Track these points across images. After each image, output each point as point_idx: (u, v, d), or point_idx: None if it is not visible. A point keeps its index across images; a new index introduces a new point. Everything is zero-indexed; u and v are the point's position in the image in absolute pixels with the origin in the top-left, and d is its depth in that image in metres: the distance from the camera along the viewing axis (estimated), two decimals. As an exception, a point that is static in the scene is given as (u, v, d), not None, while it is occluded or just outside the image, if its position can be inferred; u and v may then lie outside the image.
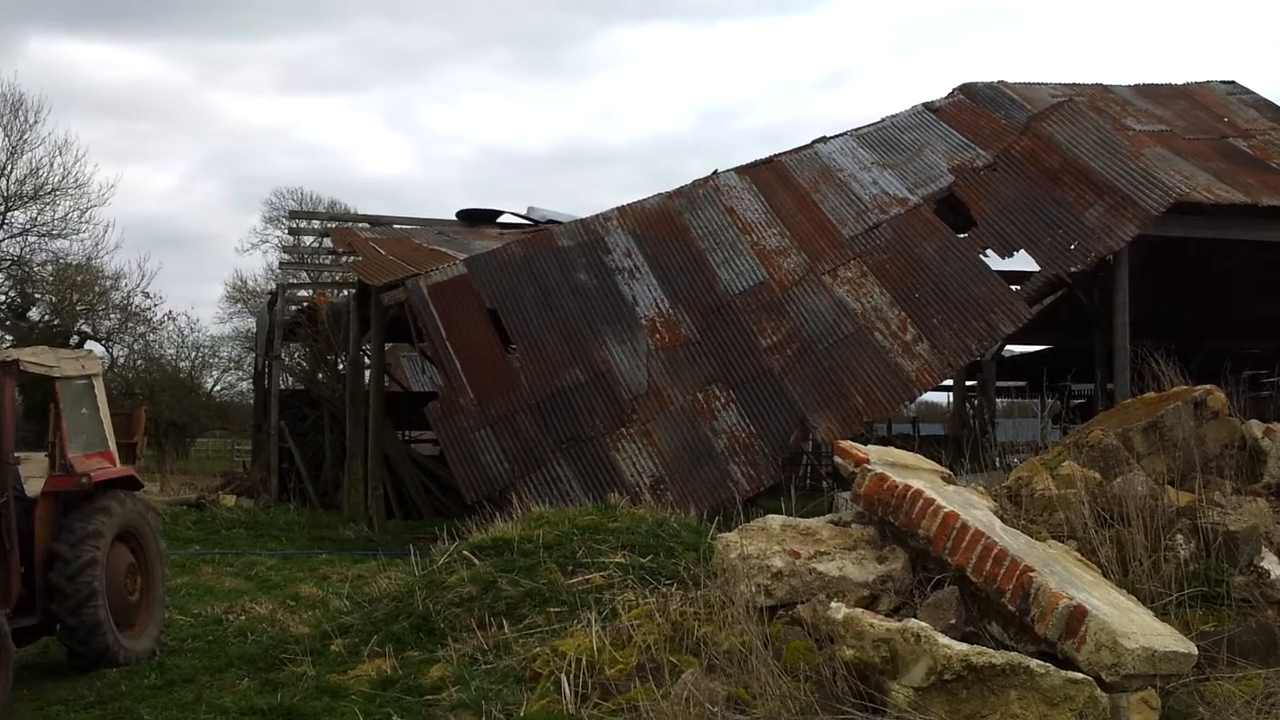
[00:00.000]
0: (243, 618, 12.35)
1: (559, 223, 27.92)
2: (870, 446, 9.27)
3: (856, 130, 26.85)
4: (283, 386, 36.80)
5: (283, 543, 22.15)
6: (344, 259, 32.62)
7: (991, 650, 6.98)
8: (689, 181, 25.93)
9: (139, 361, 53.84)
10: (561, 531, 11.24)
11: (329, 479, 32.48)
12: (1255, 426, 9.67)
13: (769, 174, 26.04)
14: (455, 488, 29.34)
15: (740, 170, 26.18)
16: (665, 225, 25.02)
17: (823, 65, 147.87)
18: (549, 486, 21.19)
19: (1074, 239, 22.94)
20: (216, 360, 60.74)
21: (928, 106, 27.10)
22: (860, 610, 7.43)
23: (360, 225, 32.21)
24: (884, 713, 6.87)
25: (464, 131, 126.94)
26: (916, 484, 8.17)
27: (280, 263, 43.88)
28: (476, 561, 10.70)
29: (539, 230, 27.31)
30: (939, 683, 6.81)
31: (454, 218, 30.40)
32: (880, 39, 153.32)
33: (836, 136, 26.72)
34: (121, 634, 11.50)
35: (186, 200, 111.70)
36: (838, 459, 8.95)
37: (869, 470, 8.41)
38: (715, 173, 26.12)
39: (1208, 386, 9.72)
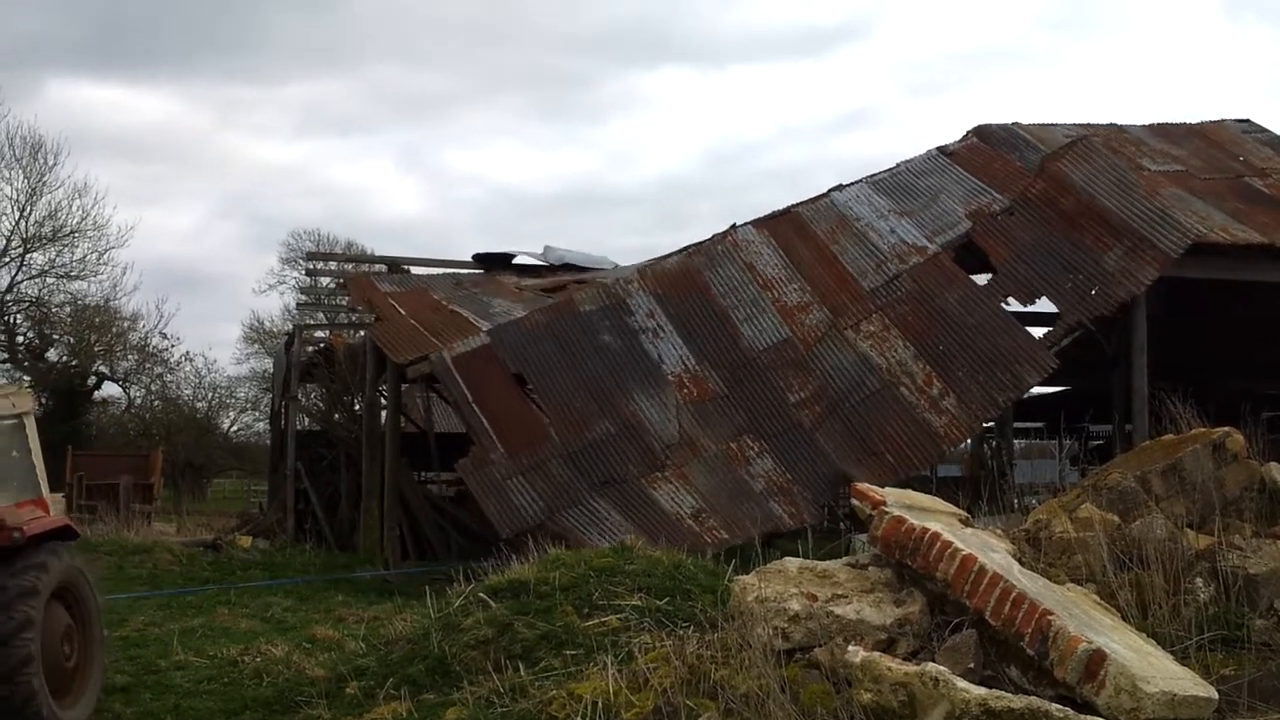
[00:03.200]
0: (258, 659, 12.33)
1: (574, 265, 28.02)
2: (887, 489, 9.25)
3: (872, 177, 26.80)
4: (299, 427, 36.86)
5: (299, 583, 22.14)
6: (360, 314, 32.77)
7: (1010, 695, 6.93)
8: (705, 236, 26.01)
9: (156, 402, 54.11)
10: (578, 574, 11.21)
11: (345, 520, 32.48)
12: (1275, 469, 9.63)
13: (786, 226, 26.00)
14: (471, 529, 29.39)
15: (757, 224, 26.14)
16: (686, 284, 25.03)
17: (836, 107, 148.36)
18: (589, 519, 21.17)
19: (1094, 284, 22.85)
20: (233, 401, 61.02)
21: (942, 151, 27.04)
22: (878, 654, 7.40)
23: (377, 268, 32.33)
24: (902, 758, 6.83)
25: (478, 173, 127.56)
26: (934, 527, 8.15)
27: (297, 304, 44.14)
28: (492, 604, 10.68)
29: (560, 290, 27.34)
30: (958, 727, 6.77)
31: (470, 259, 30.53)
32: (894, 80, 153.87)
33: (852, 184, 26.67)
34: (57, 703, 10.51)
35: (204, 242, 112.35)
36: (855, 501, 8.94)
37: (886, 513, 8.39)
38: (733, 227, 26.12)
39: (1226, 429, 9.69)
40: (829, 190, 26.84)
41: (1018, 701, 6.80)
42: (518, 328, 24.54)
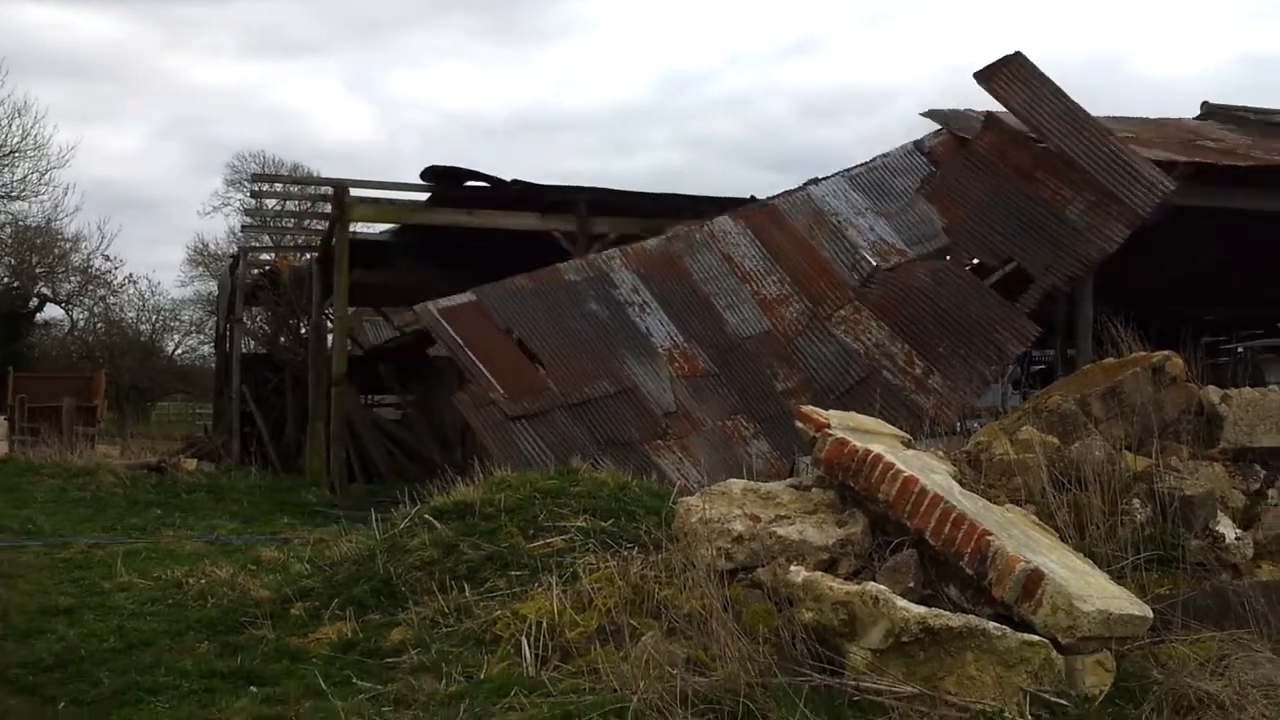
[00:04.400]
0: (203, 581, 12.29)
1: (524, 182, 27.75)
2: (831, 411, 9.31)
3: (848, 171, 26.38)
4: (244, 350, 36.65)
5: (244, 506, 22.09)
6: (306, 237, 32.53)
7: (949, 613, 7.04)
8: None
9: (99, 325, 53.64)
10: (523, 495, 11.23)
11: (291, 443, 32.44)
12: (1213, 392, 9.75)
13: (763, 219, 25.74)
14: (418, 452, 29.41)
15: (735, 215, 25.98)
16: (668, 266, 24.81)
17: (786, 34, 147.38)
18: None
19: (1062, 243, 22.63)
20: (178, 324, 60.55)
21: (918, 147, 26.67)
22: (819, 574, 7.48)
23: (323, 191, 32.01)
24: (842, 675, 6.93)
25: (426, 97, 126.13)
26: (876, 448, 8.22)
27: (242, 226, 43.69)
28: (438, 525, 10.69)
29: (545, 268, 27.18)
30: (896, 645, 6.87)
31: (419, 179, 30.19)
32: (846, 7, 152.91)
33: (828, 178, 26.38)
34: None
35: (147, 164, 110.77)
36: (799, 424, 8.99)
37: (829, 435, 8.46)
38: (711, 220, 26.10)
39: (1166, 353, 9.80)
40: (805, 184, 26.69)
41: (956, 620, 6.90)
42: (503, 288, 24.39)
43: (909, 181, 25.31)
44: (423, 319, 24.13)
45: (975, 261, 23.74)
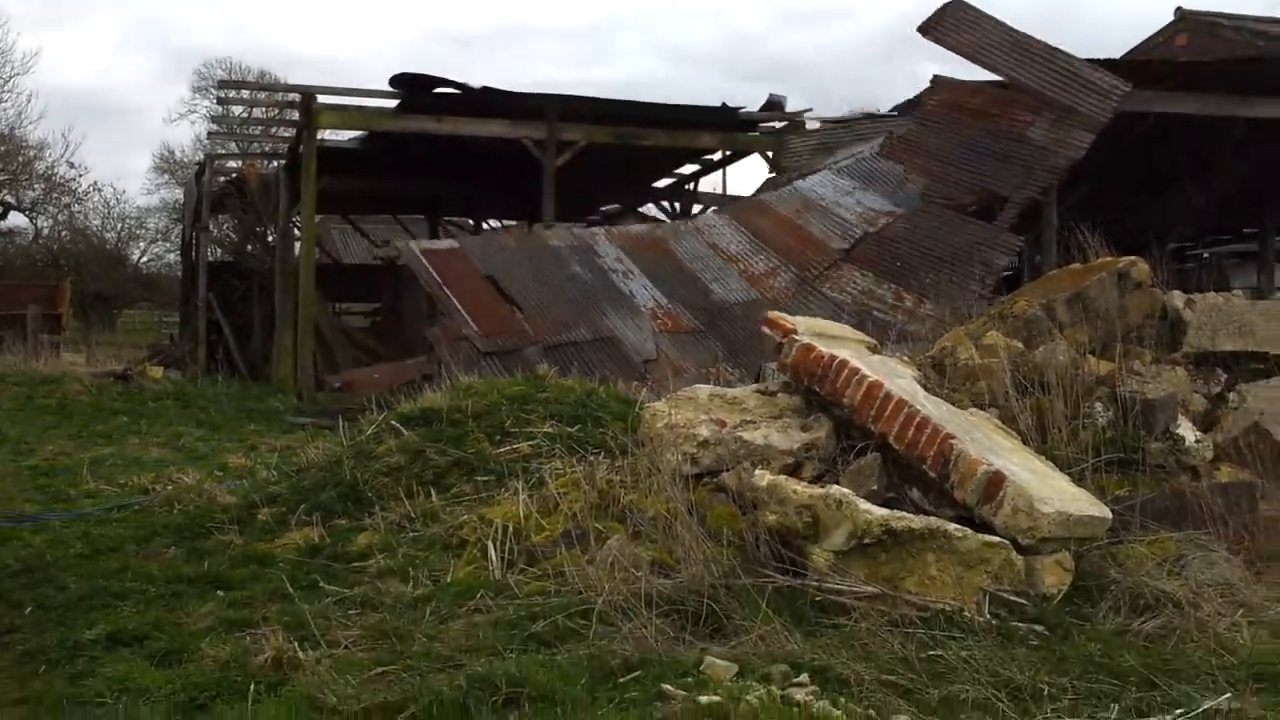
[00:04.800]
0: (169, 488, 12.28)
1: (493, 89, 27.46)
2: (798, 318, 9.32)
3: (834, 163, 26.57)
4: (211, 258, 36.39)
5: (211, 414, 22.02)
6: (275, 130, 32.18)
7: (911, 515, 7.10)
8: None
9: (64, 233, 53.09)
10: (490, 402, 11.22)
11: (258, 351, 32.33)
12: (1177, 297, 9.81)
13: (749, 211, 25.79)
14: (386, 359, 29.35)
15: (719, 211, 26.17)
16: (653, 247, 24.78)
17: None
18: None
19: (1031, 162, 22.92)
20: (143, 232, 59.89)
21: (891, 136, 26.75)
22: (784, 477, 7.53)
23: (291, 97, 31.62)
24: (805, 576, 6.99)
25: (399, 2, 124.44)
26: (842, 354, 8.24)
27: (208, 133, 43.14)
28: (405, 431, 10.68)
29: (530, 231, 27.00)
30: (859, 547, 6.94)
31: (389, 86, 29.82)
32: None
33: (814, 174, 26.52)
34: None
35: (112, 71, 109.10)
36: (766, 329, 9.00)
37: (796, 340, 8.47)
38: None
39: (1132, 258, 9.84)
40: (791, 180, 26.82)
41: (918, 522, 6.97)
42: (486, 240, 24.56)
43: (898, 168, 25.40)
44: (404, 256, 24.17)
45: (951, 203, 23.91)
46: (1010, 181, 22.87)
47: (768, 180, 29.29)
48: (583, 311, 22.63)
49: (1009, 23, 23.98)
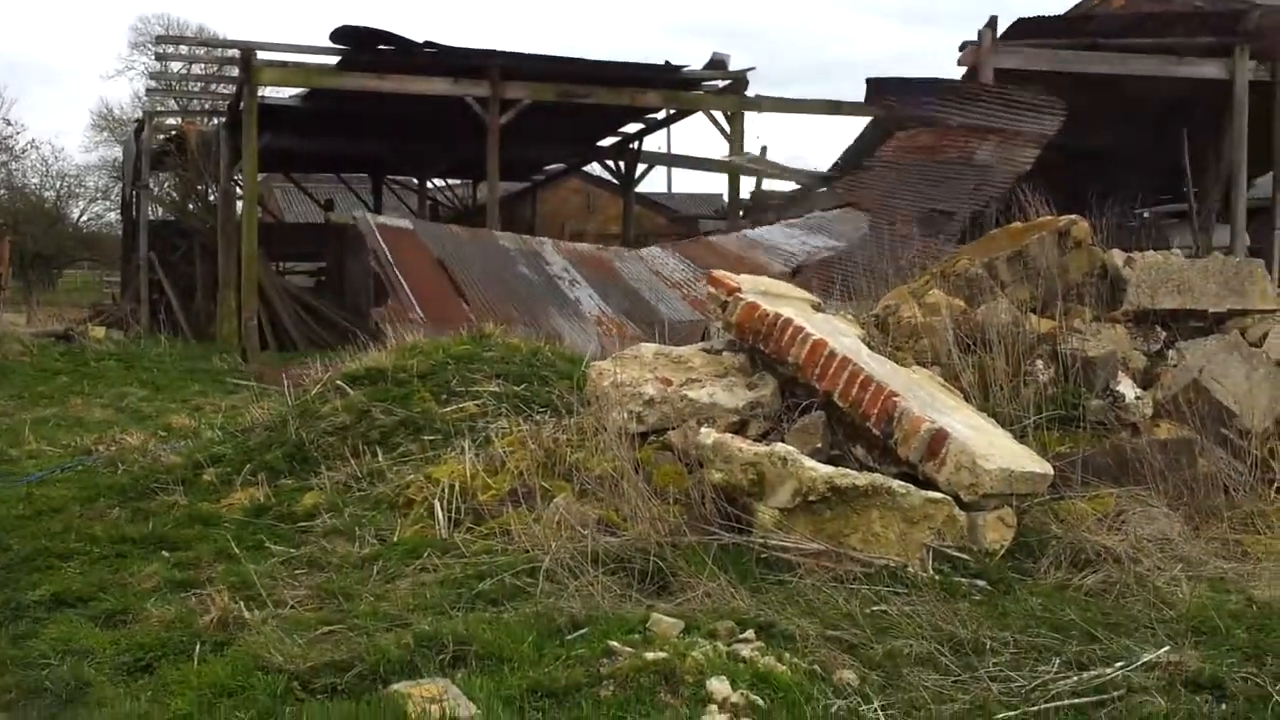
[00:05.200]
0: (113, 448, 12.20)
1: (435, 44, 27.22)
2: (743, 276, 9.35)
3: (785, 219, 26.95)
4: (152, 217, 36.00)
5: (154, 374, 21.84)
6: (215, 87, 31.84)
7: (855, 472, 7.17)
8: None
9: (2, 191, 52.44)
10: (436, 361, 11.21)
11: (201, 310, 32.05)
12: (1117, 255, 9.88)
13: (697, 248, 26.20)
14: (329, 319, 29.21)
15: (664, 245, 26.58)
16: (599, 264, 25.06)
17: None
18: None
19: (978, 180, 23.85)
20: (83, 190, 59.24)
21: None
22: (729, 435, 7.57)
23: (230, 53, 31.28)
24: (750, 533, 7.05)
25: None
26: (787, 312, 8.29)
27: (147, 90, 42.58)
28: (350, 391, 10.65)
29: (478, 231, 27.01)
30: (804, 504, 6.99)
31: (330, 41, 29.46)
32: None
33: (763, 225, 26.94)
34: None
35: (48, 27, 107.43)
36: (710, 288, 9.02)
37: (741, 299, 8.51)
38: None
39: (1072, 216, 9.91)
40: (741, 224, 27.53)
41: (862, 479, 7.03)
42: (439, 228, 24.72)
43: (849, 225, 25.89)
44: (359, 227, 24.19)
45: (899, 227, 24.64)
46: (957, 200, 23.78)
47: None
48: (529, 310, 22.72)
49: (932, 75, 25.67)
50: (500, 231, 26.02)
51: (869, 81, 27.17)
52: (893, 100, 26.24)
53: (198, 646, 5.97)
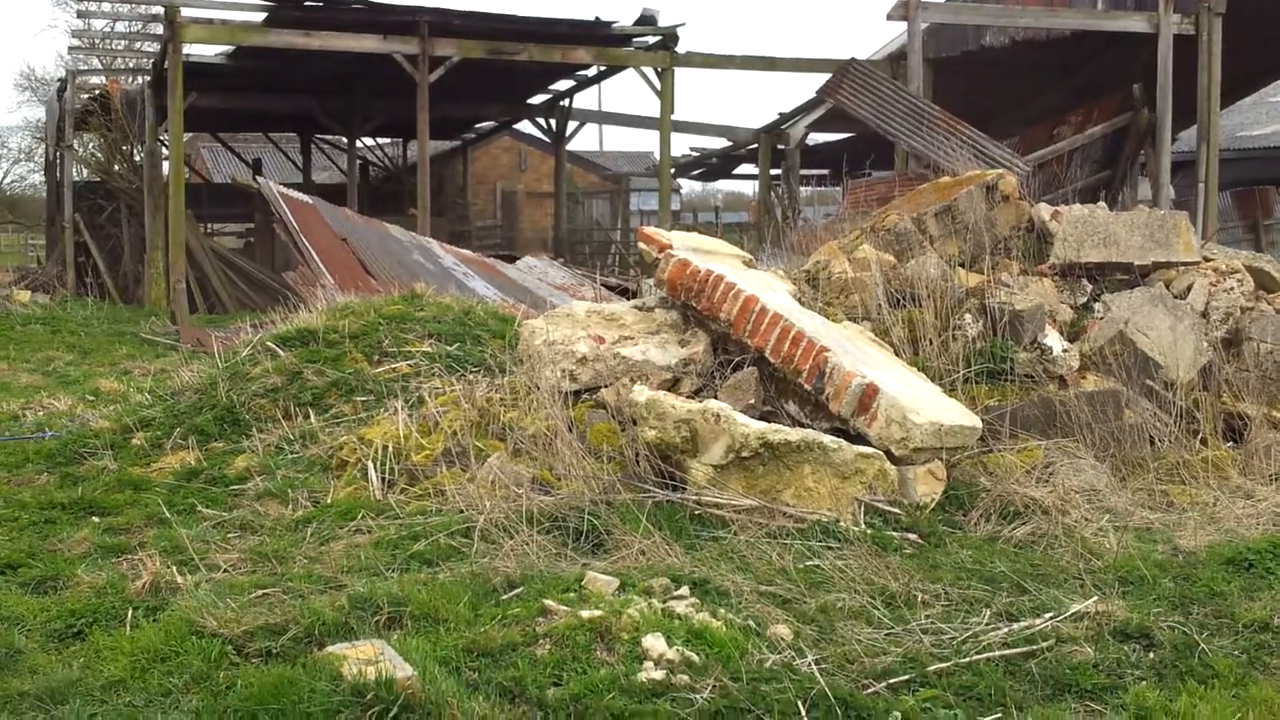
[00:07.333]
0: (40, 414, 12.06)
1: (364, 0, 26.94)
2: (674, 233, 9.37)
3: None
4: (76, 178, 35.48)
5: (82, 338, 21.58)
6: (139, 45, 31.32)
7: (787, 428, 7.21)
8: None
9: (-81, 153, 51.51)
10: (367, 321, 11.17)
11: (129, 273, 31.67)
12: (1044, 209, 9.99)
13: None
14: (259, 281, 28.95)
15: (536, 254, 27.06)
16: (485, 266, 25.10)
17: None
18: None
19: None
20: (5, 152, 58.40)
21: None
22: (662, 393, 7.59)
23: (154, 10, 30.77)
24: (684, 490, 7.08)
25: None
26: (718, 269, 8.30)
27: (69, 48, 41.93)
28: (281, 353, 10.59)
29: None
30: (737, 460, 7.03)
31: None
32: None
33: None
34: None
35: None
36: (642, 245, 9.02)
37: (672, 256, 8.51)
38: None
39: (1000, 171, 10.00)
40: None
41: (794, 434, 7.08)
42: (339, 210, 24.55)
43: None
44: (263, 191, 24.06)
45: None
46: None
47: None
48: (436, 288, 22.83)
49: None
50: (391, 225, 26.05)
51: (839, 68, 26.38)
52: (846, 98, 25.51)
53: (130, 612, 5.93)
